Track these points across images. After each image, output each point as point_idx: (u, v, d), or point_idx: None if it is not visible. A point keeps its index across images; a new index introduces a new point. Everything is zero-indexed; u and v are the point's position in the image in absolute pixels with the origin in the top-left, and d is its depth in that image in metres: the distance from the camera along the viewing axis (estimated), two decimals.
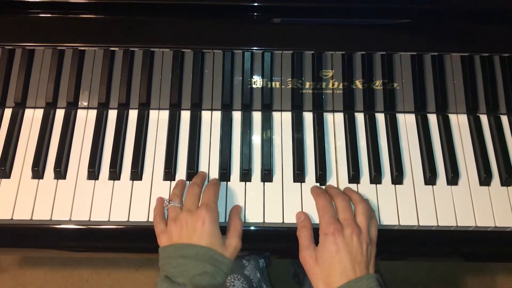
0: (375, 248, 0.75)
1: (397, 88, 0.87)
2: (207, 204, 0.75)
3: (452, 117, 0.90)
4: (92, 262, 1.59)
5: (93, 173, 0.83)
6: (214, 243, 0.72)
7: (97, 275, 1.58)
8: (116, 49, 0.83)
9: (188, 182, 0.83)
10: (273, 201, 0.82)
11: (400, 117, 0.90)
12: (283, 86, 0.87)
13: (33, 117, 0.89)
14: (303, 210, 0.81)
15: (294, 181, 0.84)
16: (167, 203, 0.78)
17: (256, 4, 0.80)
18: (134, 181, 0.84)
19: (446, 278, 1.59)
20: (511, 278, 1.60)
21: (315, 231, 0.76)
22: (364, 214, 0.75)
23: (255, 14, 0.82)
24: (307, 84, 0.87)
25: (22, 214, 0.81)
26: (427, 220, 0.81)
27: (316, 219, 0.79)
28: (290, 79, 0.86)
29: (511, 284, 1.59)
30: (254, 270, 1.00)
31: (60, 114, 0.89)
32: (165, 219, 0.77)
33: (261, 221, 0.81)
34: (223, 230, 0.77)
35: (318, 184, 0.84)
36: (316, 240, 0.76)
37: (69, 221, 0.81)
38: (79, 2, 0.80)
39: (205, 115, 0.90)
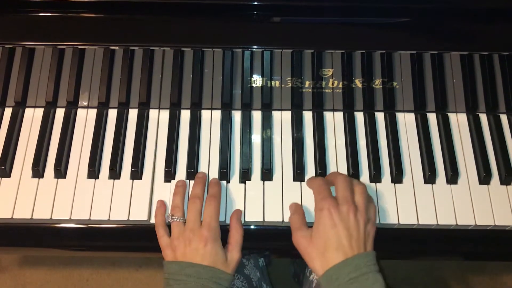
0: (374, 227, 0.74)
1: (397, 87, 0.87)
2: (209, 224, 0.76)
3: (452, 116, 0.90)
4: (92, 262, 1.60)
5: (93, 172, 0.84)
6: (216, 261, 0.74)
7: (97, 275, 1.58)
8: (116, 48, 0.83)
9: (187, 181, 0.83)
10: (273, 200, 0.82)
11: (400, 116, 0.90)
12: (282, 85, 0.87)
13: (33, 116, 0.89)
14: (303, 209, 0.81)
15: (294, 180, 0.84)
16: (170, 217, 0.79)
17: (256, 3, 0.80)
18: (134, 180, 0.84)
19: (446, 278, 1.59)
20: (511, 276, 1.60)
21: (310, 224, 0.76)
22: (362, 194, 0.75)
23: (255, 13, 0.82)
24: (307, 83, 0.87)
25: (22, 213, 0.81)
26: (427, 219, 0.81)
27: (313, 218, 0.79)
28: (289, 78, 0.87)
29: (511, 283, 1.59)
30: (254, 269, 1.00)
31: (60, 113, 0.89)
32: (167, 230, 0.79)
33: (261, 220, 0.81)
34: (223, 229, 0.77)
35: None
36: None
37: (69, 220, 0.81)
38: (79, 1, 0.80)
39: (205, 114, 0.90)
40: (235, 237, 0.78)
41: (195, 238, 0.75)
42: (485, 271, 1.60)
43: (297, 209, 0.79)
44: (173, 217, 0.78)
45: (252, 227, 0.83)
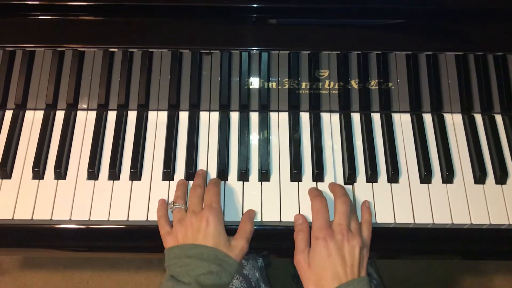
0: (368, 251, 0.76)
1: (392, 87, 0.88)
2: (211, 205, 0.76)
3: (447, 117, 0.91)
4: (93, 264, 1.60)
5: (93, 173, 0.84)
6: (219, 243, 0.74)
7: (97, 277, 1.59)
8: (115, 50, 0.84)
9: (188, 181, 0.84)
10: (271, 200, 0.83)
11: (396, 116, 0.91)
12: (279, 87, 0.88)
13: (33, 119, 0.90)
14: (300, 209, 0.82)
15: (291, 180, 0.85)
16: (172, 205, 0.79)
17: (252, 5, 0.81)
18: (133, 181, 0.85)
19: (444, 279, 1.60)
20: (509, 278, 1.61)
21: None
22: (357, 220, 0.77)
23: (252, 15, 0.83)
24: (303, 84, 0.88)
25: (22, 214, 0.82)
26: (423, 218, 0.82)
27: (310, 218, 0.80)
28: (286, 80, 0.87)
29: (509, 285, 1.60)
30: (253, 269, 1.01)
31: (60, 115, 0.90)
32: (169, 222, 0.79)
33: (259, 220, 0.82)
34: (228, 229, 0.78)
35: (315, 183, 0.85)
36: None
37: (69, 221, 0.82)
38: (78, 4, 0.81)
39: (203, 115, 0.91)
40: (244, 227, 0.78)
41: (196, 219, 0.74)
42: (483, 273, 1.61)
43: (303, 227, 0.78)
44: (175, 204, 0.79)
45: None
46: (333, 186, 0.83)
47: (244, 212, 0.82)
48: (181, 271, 0.71)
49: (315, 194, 0.80)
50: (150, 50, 0.84)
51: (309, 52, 0.85)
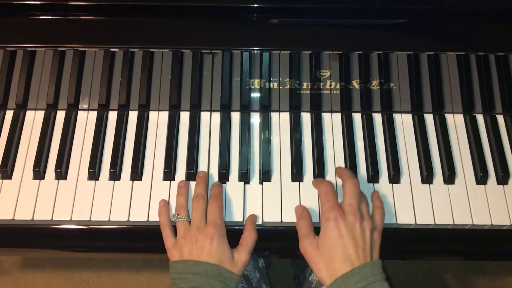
0: (380, 235, 0.75)
1: (394, 88, 0.88)
2: (214, 221, 0.76)
3: (449, 117, 0.91)
4: (93, 264, 1.60)
5: (93, 173, 0.84)
6: (222, 260, 0.74)
7: (98, 278, 1.59)
8: (116, 50, 0.84)
9: (188, 182, 0.84)
10: (272, 200, 0.83)
11: (397, 117, 0.91)
12: (281, 87, 0.88)
13: (34, 119, 0.90)
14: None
15: (293, 180, 0.85)
16: (175, 217, 0.79)
17: (253, 5, 0.81)
18: (134, 181, 0.85)
19: (446, 279, 1.60)
20: (511, 279, 1.60)
21: (315, 227, 0.77)
22: (367, 203, 0.76)
23: (253, 15, 0.83)
24: (305, 85, 0.87)
25: (23, 214, 0.81)
26: (425, 219, 0.82)
27: (315, 218, 0.80)
28: (288, 80, 0.87)
29: (510, 285, 1.60)
30: (254, 270, 1.01)
31: (61, 115, 0.90)
32: (173, 230, 0.79)
33: (260, 220, 0.82)
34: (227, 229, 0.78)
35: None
36: (316, 233, 0.76)
37: (70, 221, 0.82)
38: (79, 4, 0.81)
39: (204, 116, 0.91)
40: (247, 239, 0.78)
41: (201, 236, 0.75)
42: (485, 273, 1.60)
43: (304, 213, 0.78)
44: (178, 217, 0.78)
45: None
46: (341, 169, 0.82)
47: (247, 216, 0.82)
48: (186, 287, 0.72)
49: (320, 180, 0.80)
50: (151, 50, 0.84)
51: (311, 52, 0.84)
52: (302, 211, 0.79)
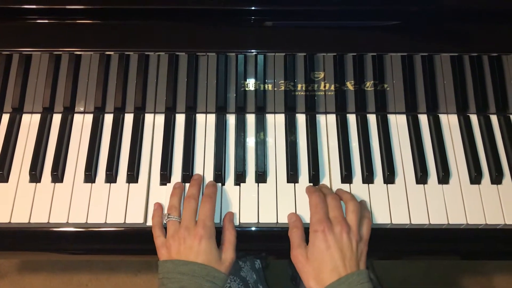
0: (366, 246, 0.77)
1: (388, 89, 0.88)
2: (204, 222, 0.77)
3: (443, 117, 0.92)
4: (91, 267, 1.60)
5: (89, 176, 0.85)
6: (210, 260, 0.75)
7: (96, 280, 1.59)
8: (112, 53, 0.85)
9: (184, 184, 0.84)
10: (267, 201, 0.83)
11: (392, 118, 0.91)
12: (275, 89, 0.88)
13: (30, 122, 0.90)
14: (297, 210, 0.82)
15: (288, 181, 0.85)
16: (166, 217, 0.79)
17: (248, 8, 0.82)
18: (130, 184, 0.85)
19: (444, 279, 1.60)
20: (508, 278, 1.61)
21: (307, 231, 0.77)
22: (354, 212, 0.77)
23: (247, 17, 0.83)
24: (299, 86, 0.88)
25: (20, 217, 0.82)
26: (419, 219, 0.82)
27: (309, 219, 0.80)
28: (282, 82, 0.88)
29: (507, 284, 1.60)
30: (250, 271, 1.01)
31: (57, 118, 0.90)
32: (164, 231, 0.79)
33: (256, 221, 0.82)
34: (218, 231, 0.78)
35: (311, 185, 0.85)
36: (307, 239, 0.77)
37: (67, 224, 0.82)
38: (74, 8, 0.81)
39: (200, 118, 0.91)
40: (228, 238, 0.79)
41: (189, 236, 0.75)
42: (482, 273, 1.61)
43: (296, 222, 0.80)
44: (169, 216, 0.79)
45: (247, 228, 0.84)
46: (320, 187, 0.84)
47: (241, 217, 0.82)
48: (174, 287, 0.72)
49: (313, 190, 0.81)
50: (146, 53, 0.85)
51: (305, 54, 0.85)
52: (295, 219, 0.80)
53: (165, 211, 0.82)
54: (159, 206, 0.82)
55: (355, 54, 0.85)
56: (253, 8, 0.82)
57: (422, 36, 0.86)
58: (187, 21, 0.83)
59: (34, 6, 0.81)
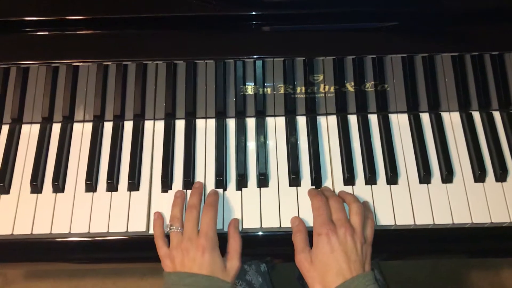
0: (370, 247, 0.76)
1: (388, 89, 0.88)
2: (206, 232, 0.76)
3: (445, 115, 0.91)
4: (98, 272, 1.60)
5: (90, 185, 0.84)
6: (214, 270, 0.74)
7: (103, 285, 1.59)
8: (110, 63, 0.84)
9: (185, 191, 0.84)
10: (270, 206, 0.83)
11: (393, 117, 0.91)
12: (275, 92, 0.88)
13: (30, 132, 0.90)
14: (300, 214, 0.82)
15: (290, 185, 0.85)
16: (168, 227, 0.79)
17: (245, 13, 0.81)
18: (132, 192, 0.85)
19: (451, 276, 1.59)
20: None
21: (310, 234, 0.77)
22: (358, 214, 0.76)
23: (244, 23, 0.82)
24: (299, 89, 0.87)
25: (22, 229, 0.82)
26: (423, 219, 0.82)
27: (312, 223, 0.80)
28: (281, 85, 0.87)
29: None
30: (256, 274, 1.01)
31: (56, 128, 0.90)
32: (166, 241, 0.79)
33: (259, 226, 0.82)
34: (221, 237, 0.78)
35: (314, 187, 0.85)
36: (311, 242, 0.76)
37: (69, 234, 0.82)
38: (71, 19, 0.81)
39: (200, 123, 0.90)
40: (233, 246, 0.79)
41: (192, 247, 0.75)
42: (489, 268, 1.60)
43: (300, 226, 0.79)
44: (171, 227, 0.79)
45: (251, 233, 0.83)
46: (322, 189, 0.83)
47: (243, 222, 0.82)
48: None
49: (315, 193, 0.81)
50: (144, 62, 0.84)
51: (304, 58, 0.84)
52: (298, 223, 0.80)
53: (167, 221, 0.81)
54: (159, 216, 0.82)
55: (354, 57, 0.84)
56: (250, 13, 0.81)
57: (421, 37, 0.84)
58: (184, 29, 0.82)
59: (31, 18, 0.80)
